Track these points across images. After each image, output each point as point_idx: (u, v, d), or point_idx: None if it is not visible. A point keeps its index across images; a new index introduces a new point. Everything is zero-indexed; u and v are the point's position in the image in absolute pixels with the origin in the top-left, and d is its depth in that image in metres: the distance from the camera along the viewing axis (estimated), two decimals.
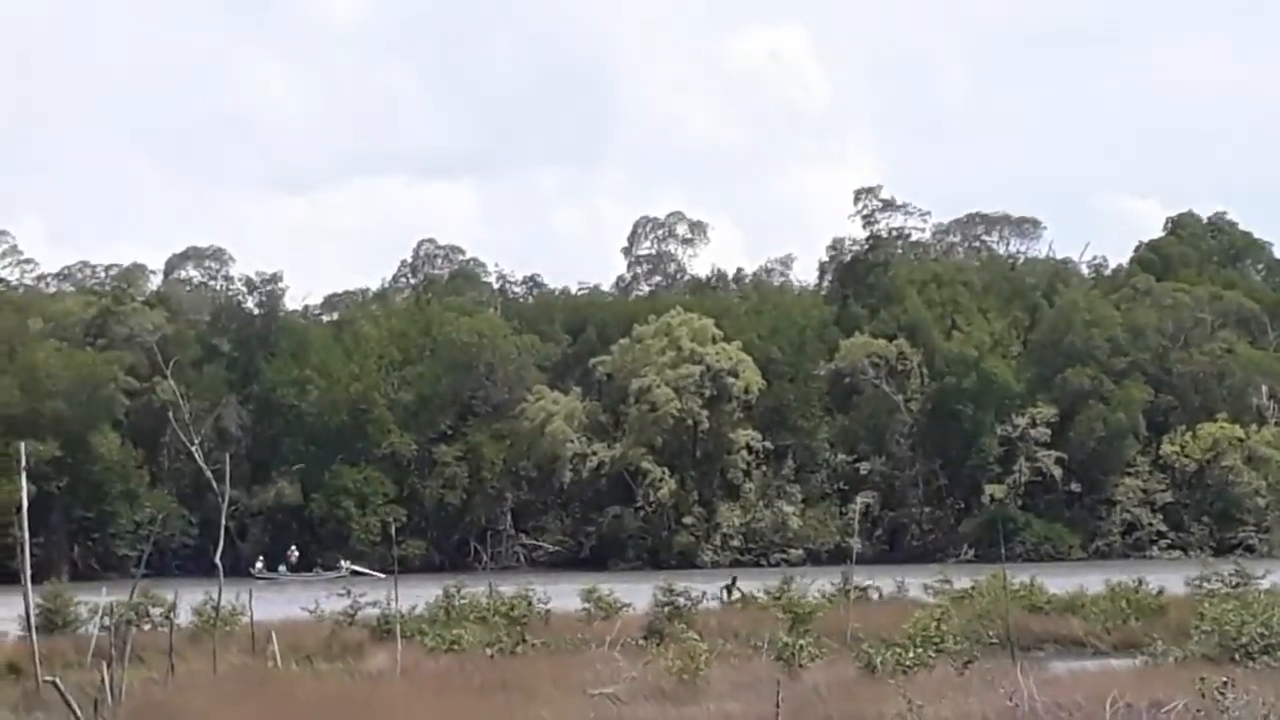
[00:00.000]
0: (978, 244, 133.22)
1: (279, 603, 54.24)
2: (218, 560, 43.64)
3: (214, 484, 45.67)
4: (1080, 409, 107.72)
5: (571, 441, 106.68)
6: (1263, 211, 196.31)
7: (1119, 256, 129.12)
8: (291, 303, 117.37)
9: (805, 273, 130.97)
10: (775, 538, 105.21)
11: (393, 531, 79.94)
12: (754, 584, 58.91)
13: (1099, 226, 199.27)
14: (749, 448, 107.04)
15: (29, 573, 38.11)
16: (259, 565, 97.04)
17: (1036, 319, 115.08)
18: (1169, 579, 54.81)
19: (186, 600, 48.63)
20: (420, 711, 31.56)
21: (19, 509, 40.05)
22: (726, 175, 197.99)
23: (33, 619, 38.60)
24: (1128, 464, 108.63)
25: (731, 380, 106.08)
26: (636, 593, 53.14)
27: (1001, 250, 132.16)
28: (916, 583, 58.27)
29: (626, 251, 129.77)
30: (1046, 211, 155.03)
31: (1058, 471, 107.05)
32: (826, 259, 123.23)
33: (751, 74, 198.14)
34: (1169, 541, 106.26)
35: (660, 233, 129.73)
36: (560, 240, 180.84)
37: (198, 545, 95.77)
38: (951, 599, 52.58)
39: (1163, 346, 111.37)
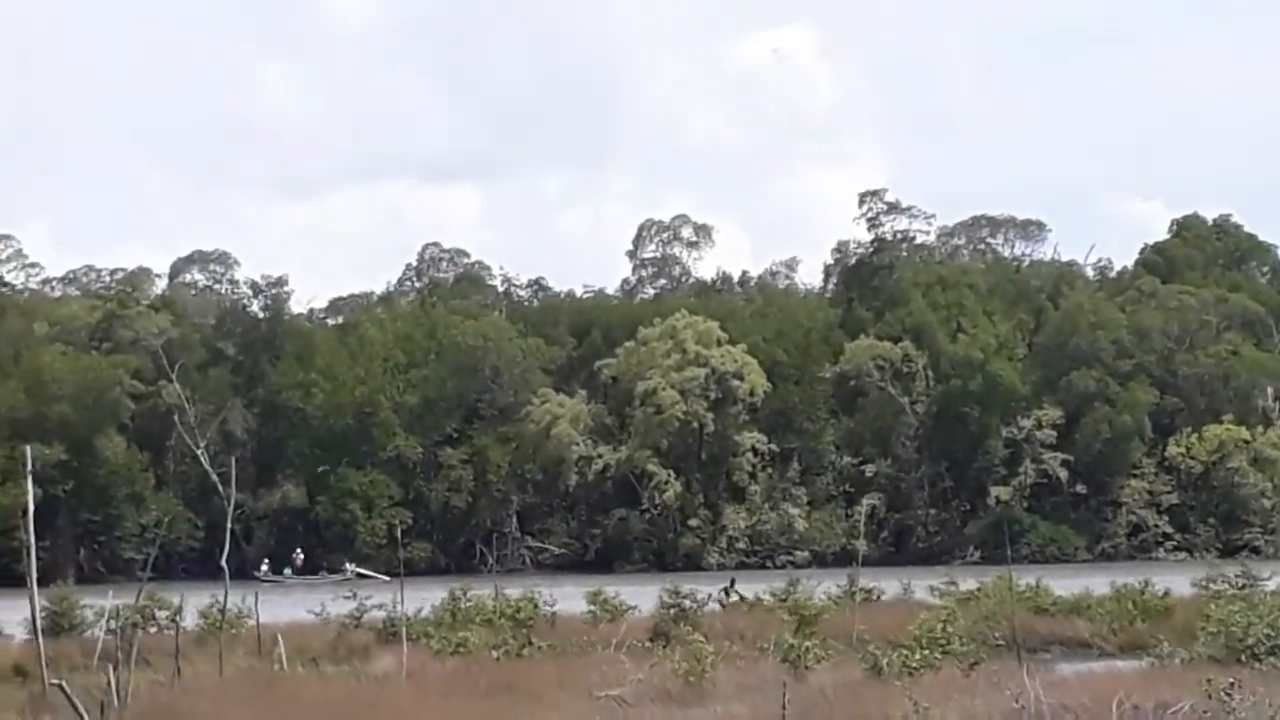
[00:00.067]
0: (982, 246, 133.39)
1: (284, 606, 54.08)
2: (223, 563, 43.76)
3: (219, 487, 45.71)
4: (1086, 411, 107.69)
5: (577, 444, 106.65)
6: (1268, 213, 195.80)
7: (1124, 259, 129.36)
8: (296, 306, 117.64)
9: (810, 275, 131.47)
10: (781, 540, 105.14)
11: (398, 534, 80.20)
12: (759, 586, 58.83)
13: (1104, 229, 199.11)
14: (754, 450, 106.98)
15: (35, 576, 38.04)
16: (264, 568, 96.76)
17: (1042, 321, 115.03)
18: (1175, 580, 54.74)
19: (192, 603, 48.60)
20: (426, 714, 31.59)
21: (25, 512, 39.97)
22: (731, 178, 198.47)
23: (39, 622, 38.50)
24: (1133, 466, 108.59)
25: (737, 383, 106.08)
26: (642, 595, 53.10)
27: (1006, 253, 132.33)
28: (922, 584, 58.30)
29: (631, 254, 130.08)
30: (1051, 214, 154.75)
31: (1063, 473, 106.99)
32: (831, 261, 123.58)
33: (756, 77, 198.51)
34: (1175, 543, 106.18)
35: (665, 235, 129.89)
36: (565, 243, 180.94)
37: (203, 548, 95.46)
38: (957, 601, 52.55)
39: (1168, 349, 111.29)
